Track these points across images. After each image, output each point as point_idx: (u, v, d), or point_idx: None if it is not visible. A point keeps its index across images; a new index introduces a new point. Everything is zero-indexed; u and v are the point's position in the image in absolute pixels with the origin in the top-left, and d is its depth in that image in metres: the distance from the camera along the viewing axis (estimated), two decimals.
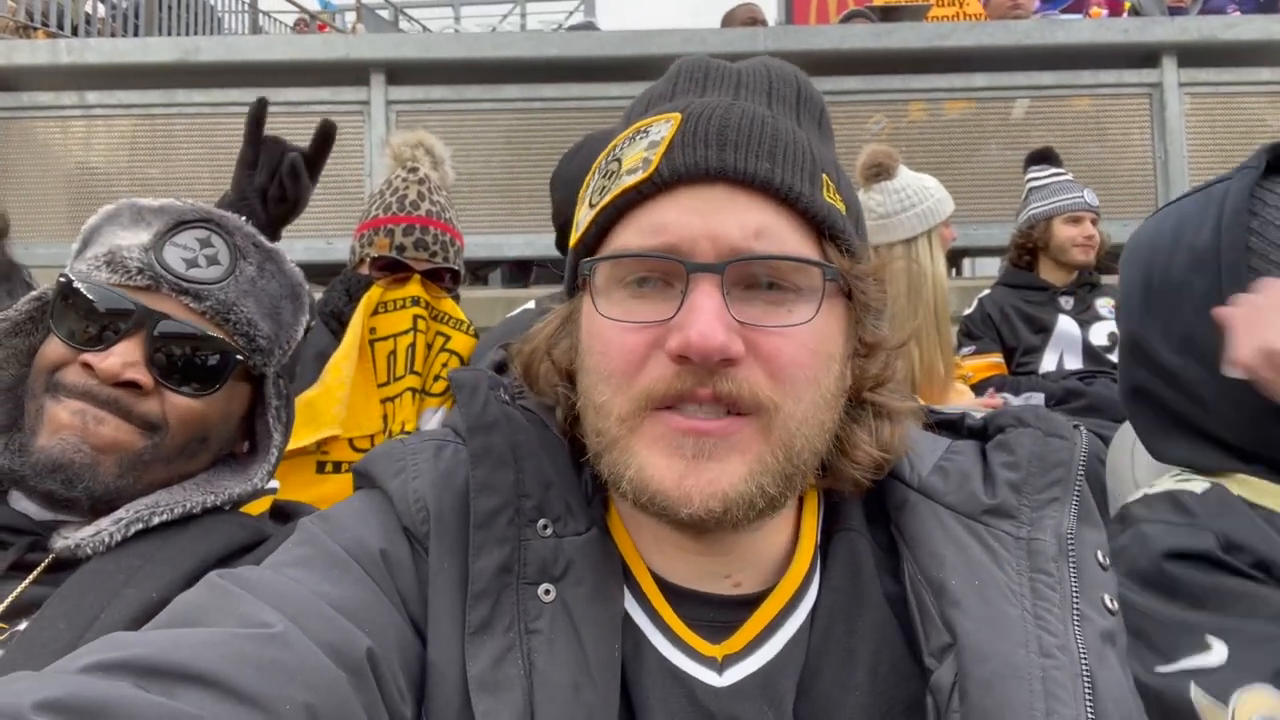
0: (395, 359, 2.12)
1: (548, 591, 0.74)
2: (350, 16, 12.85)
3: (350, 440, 2.01)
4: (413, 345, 2.12)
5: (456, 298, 2.32)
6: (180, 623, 0.66)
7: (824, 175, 0.76)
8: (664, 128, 0.75)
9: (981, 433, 0.88)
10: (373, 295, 2.13)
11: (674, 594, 0.78)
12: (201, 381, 1.11)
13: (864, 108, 5.05)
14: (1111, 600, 0.76)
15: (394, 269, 2.20)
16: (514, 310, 3.62)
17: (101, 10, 7.74)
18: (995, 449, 0.83)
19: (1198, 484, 1.13)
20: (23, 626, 0.97)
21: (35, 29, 6.53)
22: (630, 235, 0.75)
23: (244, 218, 1.19)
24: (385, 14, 13.24)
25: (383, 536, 0.78)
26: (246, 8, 10.42)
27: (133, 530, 1.05)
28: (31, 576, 1.02)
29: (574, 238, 0.82)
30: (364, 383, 2.06)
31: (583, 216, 0.81)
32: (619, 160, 0.77)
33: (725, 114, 0.75)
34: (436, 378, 2.21)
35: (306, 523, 0.81)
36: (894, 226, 2.55)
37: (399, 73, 5.01)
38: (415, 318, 2.13)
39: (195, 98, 4.94)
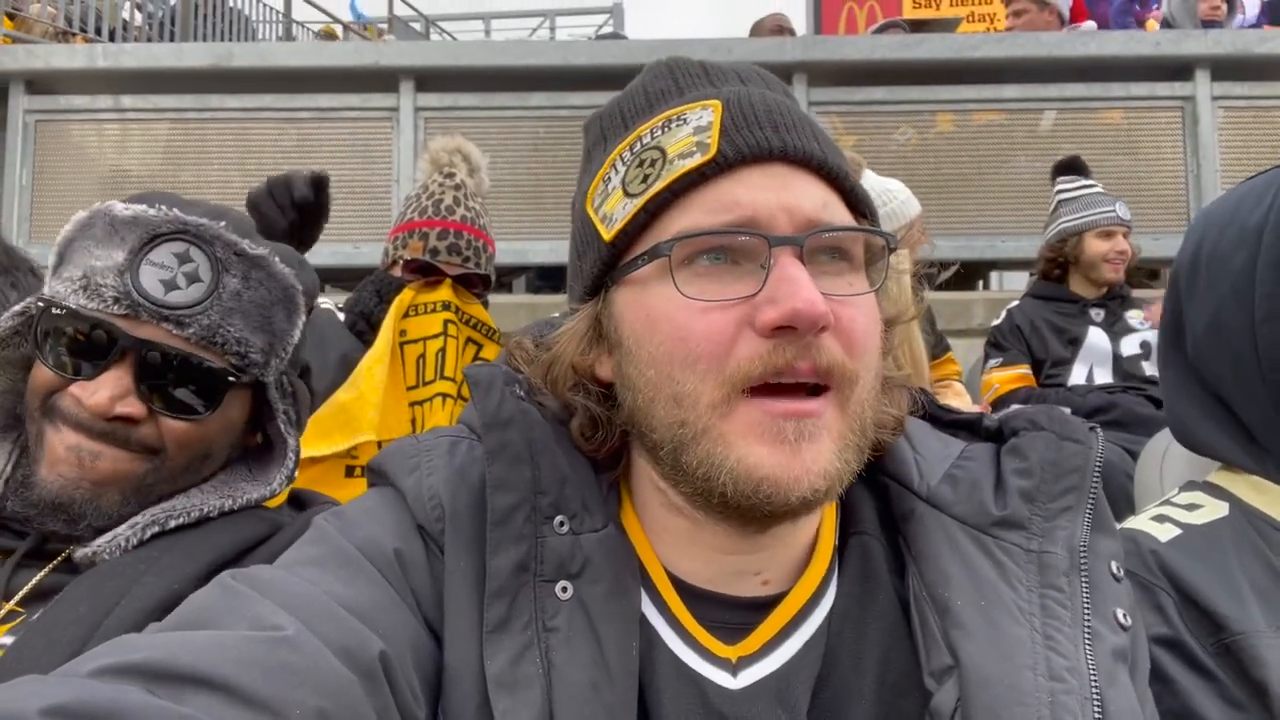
0: (425, 362, 2.12)
1: (565, 589, 0.72)
2: (382, 28, 13.00)
3: (379, 444, 1.99)
4: (443, 350, 2.11)
5: (486, 303, 2.32)
6: (190, 624, 0.65)
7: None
8: (706, 113, 0.75)
9: (998, 434, 0.85)
10: (404, 298, 2.13)
11: (690, 594, 0.77)
12: (195, 405, 1.08)
13: (892, 118, 5.03)
14: (1125, 615, 0.74)
15: (426, 272, 2.20)
16: (539, 317, 3.64)
17: (138, 17, 7.88)
18: (1008, 454, 0.81)
19: (1197, 515, 1.09)
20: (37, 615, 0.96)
21: (73, 34, 6.65)
22: (696, 216, 0.73)
23: (222, 222, 1.11)
24: (417, 26, 13.38)
25: (397, 535, 0.77)
26: (280, 17, 10.56)
27: (148, 534, 1.03)
28: (52, 565, 1.02)
29: (608, 232, 0.78)
30: (393, 385, 2.05)
31: (616, 208, 0.77)
32: (659, 148, 0.75)
33: (763, 100, 0.76)
34: None
35: (320, 521, 0.80)
36: None
37: (428, 80, 5.05)
38: (446, 322, 2.13)
39: (229, 102, 5.02)
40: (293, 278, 1.15)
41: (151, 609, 0.92)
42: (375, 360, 2.03)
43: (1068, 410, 3.03)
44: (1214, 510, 1.09)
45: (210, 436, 1.11)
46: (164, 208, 1.08)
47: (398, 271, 2.25)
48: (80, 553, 1.02)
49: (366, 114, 5.03)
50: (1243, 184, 1.19)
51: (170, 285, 1.04)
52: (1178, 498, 1.15)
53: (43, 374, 1.05)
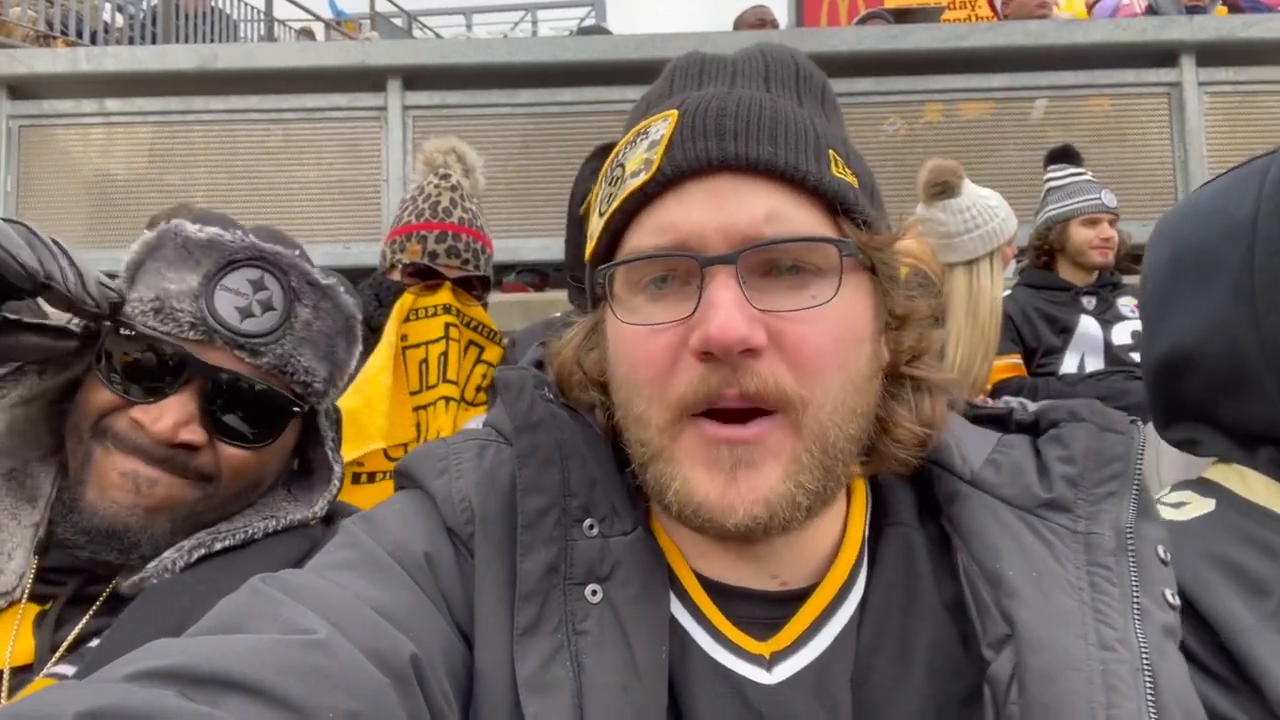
0: (427, 367, 2.11)
1: (595, 592, 0.72)
2: (365, 25, 12.93)
3: (384, 450, 1.99)
4: (445, 354, 2.11)
5: (485, 305, 2.31)
6: (223, 628, 0.65)
7: (830, 151, 0.75)
8: (662, 126, 0.74)
9: (1032, 427, 0.85)
10: (405, 302, 2.11)
11: (718, 592, 0.77)
12: (257, 434, 1.07)
13: (879, 109, 5.04)
14: (1173, 595, 0.74)
15: (425, 276, 2.19)
16: (531, 314, 3.63)
17: (120, 19, 7.80)
18: (1049, 443, 0.81)
19: (1182, 512, 1.08)
20: (95, 644, 0.95)
21: (54, 37, 6.58)
22: (640, 237, 0.74)
23: (297, 250, 1.12)
24: (399, 22, 13.31)
25: (426, 539, 0.77)
26: (262, 17, 10.48)
27: (195, 556, 1.02)
28: (93, 608, 1.00)
29: (588, 248, 0.81)
30: (396, 390, 2.05)
31: (594, 226, 0.80)
32: (623, 165, 0.76)
33: (722, 104, 0.74)
34: (479, 389, 2.20)
35: (349, 524, 0.80)
36: (957, 247, 2.50)
37: (415, 78, 5.04)
38: (447, 325, 2.12)
39: (214, 104, 4.99)
40: (355, 308, 1.16)
41: None
42: (380, 368, 2.02)
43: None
44: (1200, 507, 1.08)
45: (264, 465, 1.10)
46: (238, 232, 1.07)
47: (396, 275, 2.24)
48: (128, 581, 1.00)
49: (354, 114, 5.01)
50: (1206, 186, 1.18)
51: (245, 313, 1.04)
52: (1168, 496, 1.14)
53: (99, 394, 1.02)
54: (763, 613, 0.76)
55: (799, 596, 0.77)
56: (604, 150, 2.22)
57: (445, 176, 2.31)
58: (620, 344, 0.75)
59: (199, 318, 1.02)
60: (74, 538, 1.00)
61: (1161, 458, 1.48)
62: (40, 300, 0.97)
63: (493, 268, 4.93)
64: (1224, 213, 1.10)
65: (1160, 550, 0.76)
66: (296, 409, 1.10)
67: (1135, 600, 0.71)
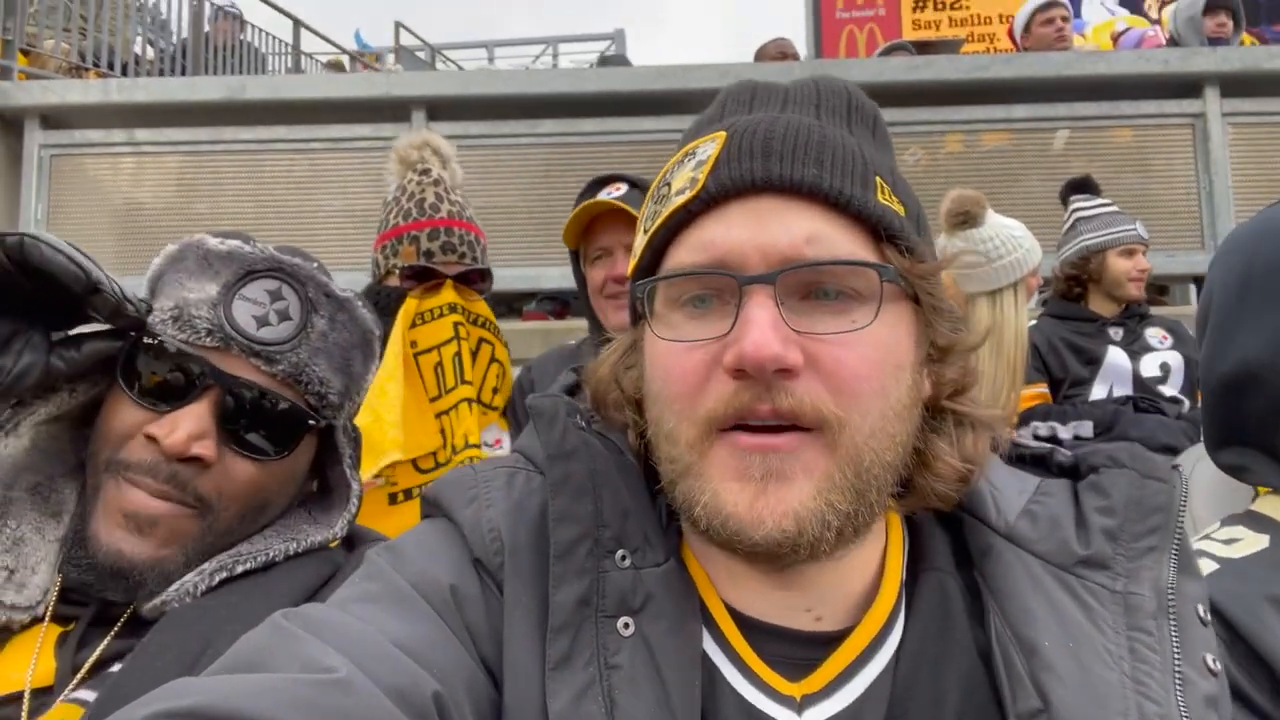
0: (443, 370, 2.06)
1: (627, 625, 0.71)
2: (389, 58, 13.14)
3: (414, 462, 1.96)
4: (458, 354, 2.06)
5: (488, 298, 2.25)
6: (243, 666, 0.64)
7: (878, 178, 0.74)
8: (710, 147, 0.75)
9: (1073, 471, 0.83)
10: (409, 307, 2.06)
11: (750, 629, 0.75)
12: (271, 446, 1.07)
13: (901, 140, 5.02)
14: (1214, 660, 0.71)
15: (424, 277, 2.13)
16: (552, 342, 3.63)
17: (150, 52, 7.97)
18: (1088, 491, 0.78)
19: (1235, 548, 1.05)
20: (116, 669, 0.94)
21: (87, 69, 6.72)
22: (682, 254, 0.74)
23: (315, 263, 1.13)
24: (422, 55, 13.51)
25: (452, 571, 0.75)
26: (289, 49, 10.67)
27: (217, 580, 1.02)
28: (114, 630, 0.99)
29: (631, 264, 0.82)
30: (415, 400, 2.01)
31: (638, 243, 0.80)
32: (669, 184, 0.77)
33: (770, 126, 0.74)
34: (494, 390, 2.16)
35: (373, 555, 0.79)
36: (981, 278, 2.48)
37: (439, 109, 5.09)
38: (455, 325, 2.08)
39: (241, 135, 5.05)
40: (373, 323, 1.16)
41: None
42: (387, 378, 1.97)
43: (1089, 425, 3.03)
44: (1254, 543, 1.05)
45: (270, 486, 1.09)
46: (258, 245, 1.09)
47: (393, 282, 2.17)
48: (148, 605, 0.99)
49: (378, 144, 5.05)
50: (1278, 204, 1.16)
51: (262, 321, 1.05)
52: (1218, 532, 1.11)
53: (118, 414, 1.02)
54: (796, 652, 0.74)
55: (835, 639, 0.75)
56: (596, 185, 2.22)
57: (425, 172, 2.24)
58: (656, 359, 0.75)
59: (216, 325, 1.03)
60: (82, 576, 1.00)
61: (1192, 490, 1.45)
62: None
63: (515, 295, 4.98)
64: None
65: (1200, 610, 0.73)
66: (312, 421, 1.10)
67: (1177, 670, 0.68)
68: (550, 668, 0.69)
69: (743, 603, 0.76)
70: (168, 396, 1.02)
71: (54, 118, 5.17)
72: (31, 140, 5.11)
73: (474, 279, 2.20)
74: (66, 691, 0.93)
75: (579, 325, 4.28)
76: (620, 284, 2.09)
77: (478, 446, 2.01)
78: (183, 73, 7.74)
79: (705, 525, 0.70)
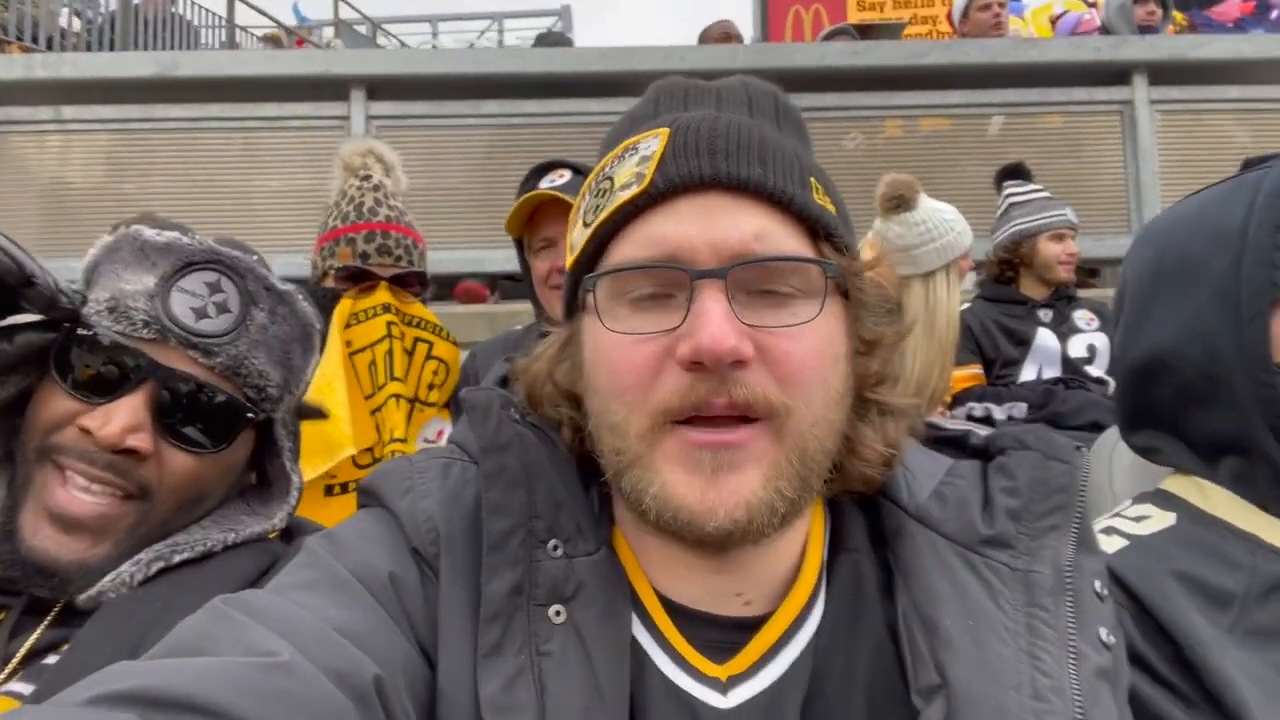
0: (376, 369, 2.09)
1: (558, 613, 0.73)
2: (328, 32, 12.84)
3: (352, 458, 1.98)
4: (390, 352, 2.09)
5: (425, 301, 2.29)
6: (185, 650, 0.65)
7: (812, 179, 0.77)
8: (654, 142, 0.76)
9: (984, 453, 0.87)
10: (344, 308, 2.09)
11: (679, 614, 0.78)
12: (208, 439, 1.06)
13: (841, 124, 5.10)
14: (1108, 634, 0.75)
15: (359, 278, 2.15)
16: (496, 326, 3.62)
17: (77, 24, 7.68)
18: (995, 472, 0.82)
19: (1143, 525, 1.10)
20: (50, 660, 0.93)
21: (9, 43, 6.46)
22: (629, 249, 0.76)
23: (255, 256, 1.11)
24: (362, 29, 13.23)
25: (390, 558, 0.77)
26: (223, 23, 10.36)
27: (154, 569, 1.01)
28: (46, 620, 0.98)
29: (569, 259, 0.83)
30: (353, 397, 2.04)
31: (577, 236, 0.81)
32: (611, 178, 0.78)
33: (713, 125, 0.76)
34: (431, 386, 2.18)
35: (311, 543, 0.80)
36: (914, 260, 2.53)
37: (379, 88, 5.00)
38: (388, 324, 2.10)
39: (173, 113, 4.91)
40: (313, 316, 1.16)
41: None
42: (333, 376, 2.00)
43: (1024, 405, 3.13)
44: (1161, 520, 1.10)
45: (205, 480, 1.08)
46: (196, 237, 1.08)
47: (330, 283, 2.20)
48: (84, 596, 0.99)
49: (317, 123, 4.96)
50: (1196, 194, 1.20)
51: (200, 313, 1.03)
52: (1129, 510, 1.16)
53: (50, 404, 1.01)
54: (721, 636, 0.77)
55: (760, 622, 0.77)
56: (539, 171, 2.23)
57: (366, 178, 2.27)
58: (601, 352, 0.76)
59: (153, 316, 1.01)
60: (8, 572, 0.99)
61: (1115, 468, 1.51)
62: None
63: (458, 278, 4.94)
64: (1213, 222, 1.11)
65: (1097, 585, 0.77)
66: (250, 415, 1.09)
67: (1071, 645, 0.72)
68: (482, 655, 0.71)
69: (674, 589, 0.79)
70: (102, 389, 1.01)
71: None
72: None
73: (410, 282, 2.22)
74: None
75: (522, 309, 4.27)
76: (564, 274, 2.11)
77: (404, 441, 2.04)
78: (110, 46, 7.48)
79: (655, 516, 0.72)
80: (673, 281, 0.73)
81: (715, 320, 0.69)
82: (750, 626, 0.77)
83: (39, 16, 6.86)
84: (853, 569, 0.80)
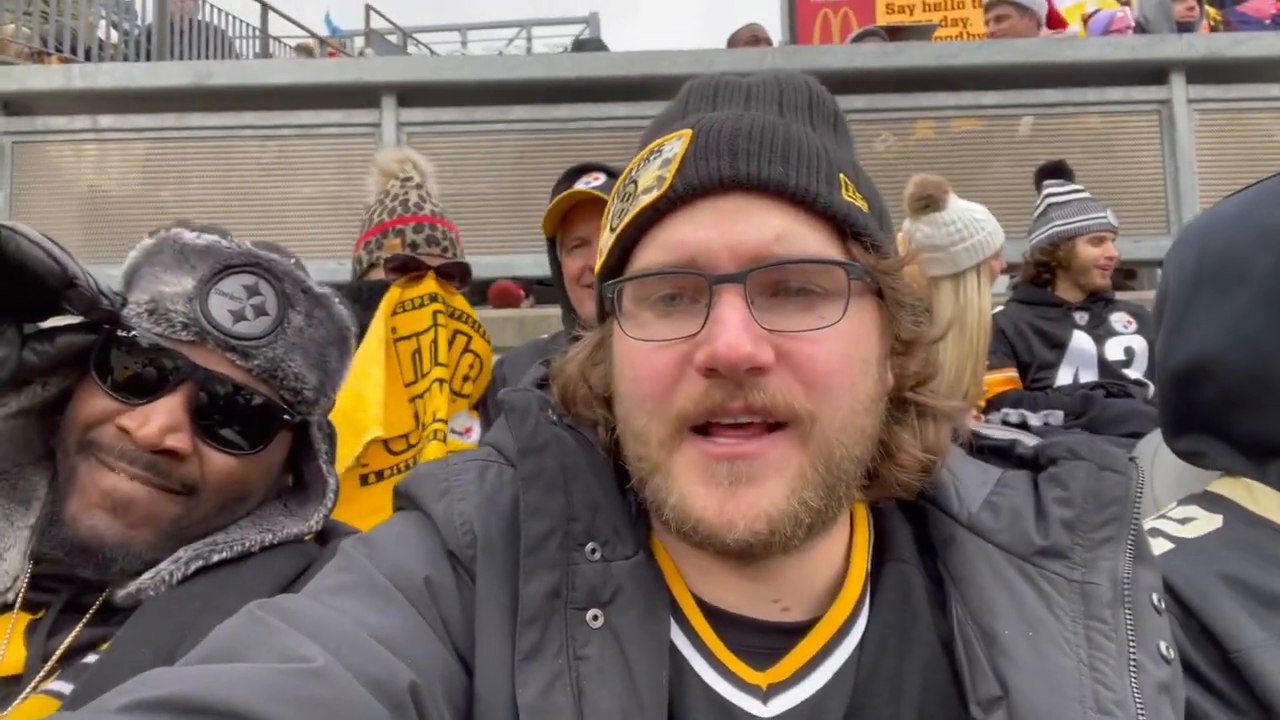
0: (420, 356, 2.13)
1: (596, 617, 0.72)
2: (358, 42, 12.99)
3: (385, 443, 2.00)
4: (434, 340, 2.13)
5: (465, 296, 2.34)
6: (220, 656, 0.65)
7: (841, 175, 0.75)
8: (676, 145, 0.75)
9: (1033, 462, 0.84)
10: (392, 295, 2.14)
11: (718, 619, 0.76)
12: (245, 441, 1.06)
13: (872, 126, 5.06)
14: (1168, 648, 0.73)
15: (407, 268, 2.20)
16: (525, 330, 3.63)
17: (114, 35, 7.82)
18: (1048, 483, 0.80)
19: (1190, 528, 1.07)
20: (89, 659, 0.94)
21: (48, 55, 6.59)
22: (650, 254, 0.75)
23: (293, 259, 1.12)
24: (393, 38, 13.36)
25: (426, 562, 0.76)
26: (257, 33, 10.51)
27: (192, 568, 1.01)
28: (86, 618, 0.99)
29: (598, 263, 0.82)
30: (392, 384, 2.07)
31: (605, 241, 0.80)
32: (635, 182, 0.77)
33: (736, 124, 0.74)
34: (465, 378, 2.22)
35: (348, 547, 0.79)
36: (943, 260, 2.51)
37: (410, 95, 5.04)
38: (435, 314, 2.15)
39: (208, 121, 4.98)
40: (349, 319, 1.16)
41: None
42: (368, 360, 2.02)
43: (1060, 414, 3.07)
44: (1207, 523, 1.07)
45: (250, 478, 1.09)
46: (235, 240, 1.08)
47: (377, 275, 2.25)
48: (122, 593, 0.99)
49: (349, 130, 5.01)
50: (1238, 194, 1.17)
51: (238, 316, 1.04)
52: (1173, 512, 1.13)
53: (89, 403, 1.02)
54: (763, 642, 0.75)
55: (801, 629, 0.76)
56: (573, 174, 2.24)
57: (408, 179, 2.35)
58: (625, 358, 0.75)
59: (192, 318, 1.02)
60: (51, 551, 0.99)
61: (1155, 472, 1.48)
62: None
63: (489, 282, 4.94)
64: (1257, 220, 1.09)
65: (1155, 599, 0.75)
66: (286, 417, 1.09)
67: (1131, 658, 0.70)
68: (520, 659, 0.70)
69: (711, 594, 0.78)
70: (141, 389, 1.01)
71: (15, 104, 5.06)
72: None
73: (452, 274, 2.27)
74: (36, 681, 0.93)
75: (552, 313, 4.28)
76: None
77: (444, 422, 2.07)
78: (147, 57, 7.61)
79: (675, 526, 0.71)
80: (692, 286, 0.72)
81: (731, 327, 0.67)
82: (791, 633, 0.76)
83: (77, 28, 7.00)
84: (900, 578, 0.78)
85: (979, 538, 0.77)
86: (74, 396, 1.04)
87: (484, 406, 2.27)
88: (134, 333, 1.02)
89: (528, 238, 4.90)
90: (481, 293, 5.06)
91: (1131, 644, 0.71)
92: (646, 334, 0.73)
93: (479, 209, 4.87)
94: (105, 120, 4.99)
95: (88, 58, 6.87)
